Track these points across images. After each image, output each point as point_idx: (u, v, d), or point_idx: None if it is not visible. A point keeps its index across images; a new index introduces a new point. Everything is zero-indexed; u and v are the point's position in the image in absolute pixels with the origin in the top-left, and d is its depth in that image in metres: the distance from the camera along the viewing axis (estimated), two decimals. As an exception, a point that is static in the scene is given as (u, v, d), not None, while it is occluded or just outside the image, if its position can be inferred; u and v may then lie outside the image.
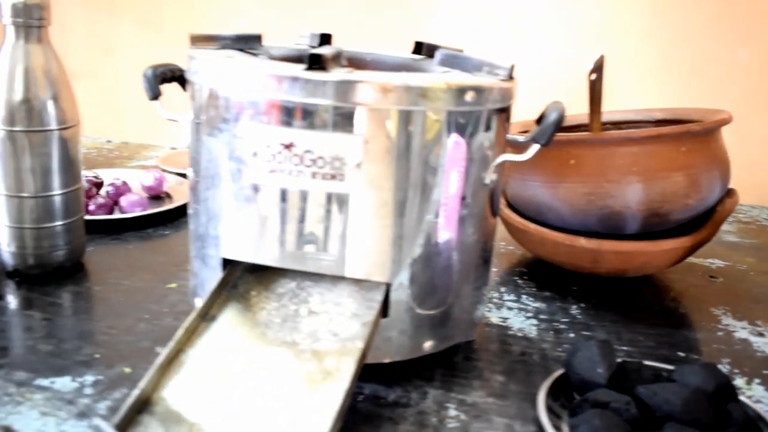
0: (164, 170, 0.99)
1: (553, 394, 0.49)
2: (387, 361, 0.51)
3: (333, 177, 0.46)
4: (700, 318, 0.67)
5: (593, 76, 0.73)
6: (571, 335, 0.61)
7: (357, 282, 0.50)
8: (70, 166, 0.64)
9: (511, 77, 0.50)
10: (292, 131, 0.45)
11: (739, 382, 0.55)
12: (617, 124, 0.83)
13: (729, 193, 0.71)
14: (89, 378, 0.50)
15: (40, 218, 0.63)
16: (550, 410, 0.47)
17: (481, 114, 0.48)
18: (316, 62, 0.44)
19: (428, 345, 0.52)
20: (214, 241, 0.51)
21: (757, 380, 0.55)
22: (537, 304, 0.67)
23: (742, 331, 0.64)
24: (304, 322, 0.49)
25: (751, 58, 1.05)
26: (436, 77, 0.46)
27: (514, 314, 0.64)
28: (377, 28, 1.17)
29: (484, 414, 0.49)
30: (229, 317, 0.49)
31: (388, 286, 0.49)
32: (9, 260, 0.65)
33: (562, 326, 0.63)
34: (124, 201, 0.80)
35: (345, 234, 0.47)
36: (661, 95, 1.08)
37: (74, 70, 1.16)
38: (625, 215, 0.65)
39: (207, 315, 0.49)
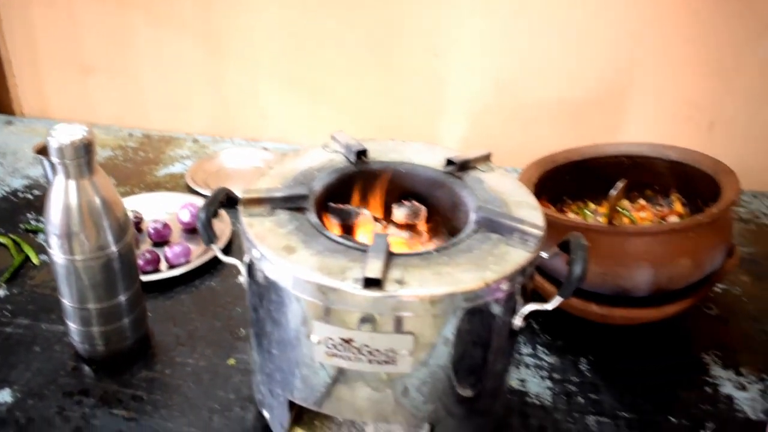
0: (195, 191, 1.04)
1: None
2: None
3: (387, 362, 0.53)
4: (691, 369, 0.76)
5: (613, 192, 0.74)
6: (581, 401, 0.71)
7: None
8: (130, 271, 0.69)
9: (539, 246, 0.55)
10: (351, 332, 0.51)
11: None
12: (632, 158, 0.86)
13: (731, 251, 0.77)
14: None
15: (108, 321, 0.70)
16: None
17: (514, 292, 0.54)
18: (372, 284, 0.49)
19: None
20: (280, 384, 0.59)
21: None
22: (551, 360, 0.76)
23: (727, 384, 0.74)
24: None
25: None
26: (474, 281, 0.51)
27: (531, 375, 0.74)
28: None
29: None
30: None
31: (432, 426, 0.58)
32: (83, 353, 0.73)
33: (573, 388, 0.73)
34: (169, 252, 0.86)
35: (396, 396, 0.55)
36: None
37: (90, 63, 1.26)
38: (635, 291, 0.72)
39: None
